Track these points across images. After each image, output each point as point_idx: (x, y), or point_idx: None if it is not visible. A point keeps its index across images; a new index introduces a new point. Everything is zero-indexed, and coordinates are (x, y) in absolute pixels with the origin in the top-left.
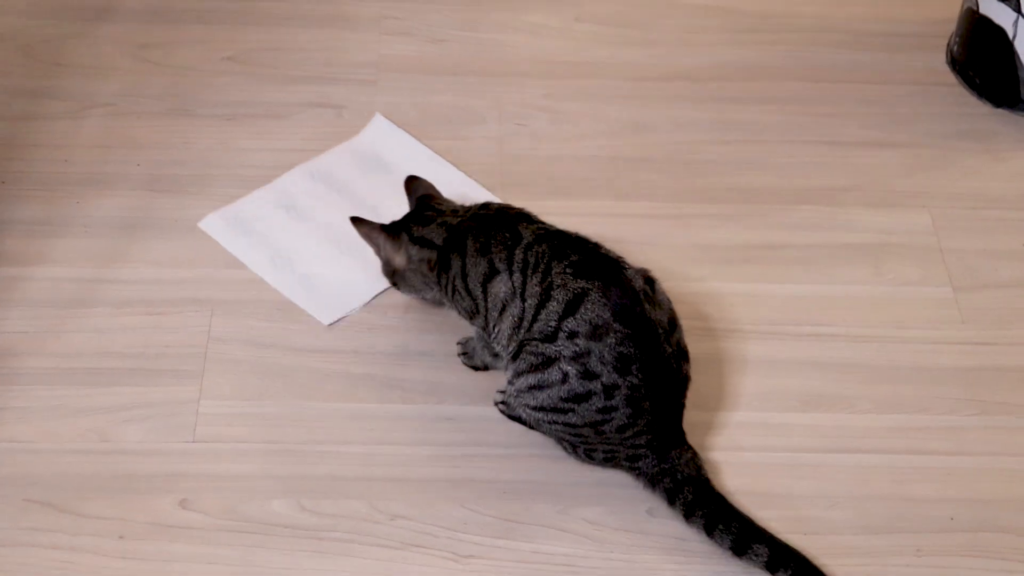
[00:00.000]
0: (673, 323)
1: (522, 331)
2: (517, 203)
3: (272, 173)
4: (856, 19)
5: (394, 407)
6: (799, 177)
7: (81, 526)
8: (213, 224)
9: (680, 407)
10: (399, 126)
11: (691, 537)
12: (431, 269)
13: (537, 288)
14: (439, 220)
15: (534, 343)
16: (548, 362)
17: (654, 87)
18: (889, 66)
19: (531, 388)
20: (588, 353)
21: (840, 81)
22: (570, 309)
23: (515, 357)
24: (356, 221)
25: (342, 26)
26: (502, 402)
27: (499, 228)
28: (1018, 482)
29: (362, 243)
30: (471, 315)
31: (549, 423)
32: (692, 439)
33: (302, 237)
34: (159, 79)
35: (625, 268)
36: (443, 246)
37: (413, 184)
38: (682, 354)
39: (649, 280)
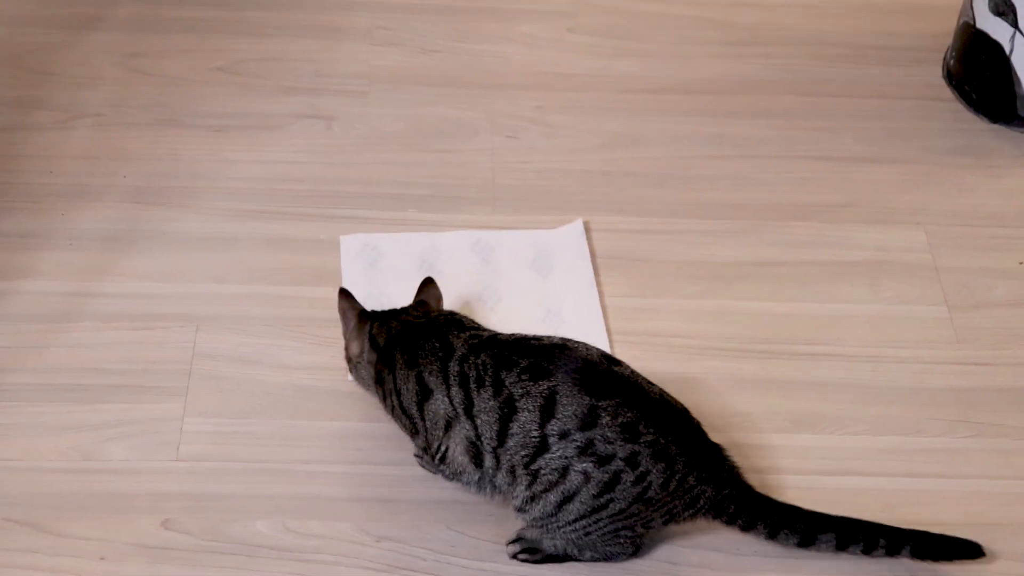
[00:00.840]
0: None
1: (486, 451)
2: (509, 219)
3: (262, 188)
4: (852, 33)
5: (382, 426)
6: (794, 193)
7: (61, 547)
8: (351, 244)
9: (700, 430)
10: (386, 140)
11: (681, 561)
12: (375, 376)
13: (493, 403)
14: (393, 323)
15: (537, 461)
16: (564, 471)
17: (648, 100)
18: (885, 81)
19: (560, 504)
20: (592, 442)
21: (835, 95)
22: (547, 413)
23: (529, 485)
24: (343, 293)
25: (332, 37)
26: (523, 551)
27: (427, 338)
28: (1013, 506)
29: None
30: (411, 434)
31: (595, 527)
32: None
33: (409, 294)
34: (147, 89)
35: (575, 347)
36: (382, 352)
37: (426, 288)
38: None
39: (603, 354)
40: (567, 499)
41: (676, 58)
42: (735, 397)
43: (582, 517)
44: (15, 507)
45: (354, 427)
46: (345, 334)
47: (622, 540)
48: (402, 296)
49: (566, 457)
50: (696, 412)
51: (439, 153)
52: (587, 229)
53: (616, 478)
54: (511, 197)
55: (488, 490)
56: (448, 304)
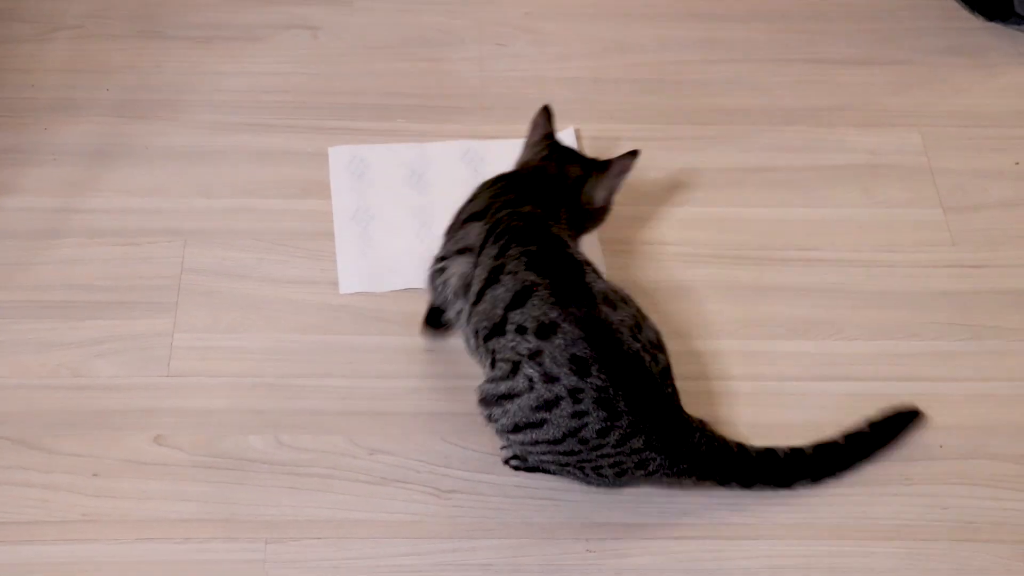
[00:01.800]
0: (639, 323)
1: (469, 303)
2: (500, 128)
3: (248, 99)
4: None
5: (373, 339)
6: (786, 97)
7: (54, 463)
8: (339, 155)
9: (667, 398)
10: (374, 50)
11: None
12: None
13: (490, 261)
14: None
15: (492, 341)
16: (515, 367)
17: (637, 5)
18: None
19: (503, 398)
20: (541, 353)
21: None
22: (518, 301)
23: (490, 365)
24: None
25: None
26: (515, 456)
27: (525, 183)
28: (1009, 408)
29: (427, 240)
30: (447, 234)
31: (537, 451)
32: (676, 368)
33: (399, 206)
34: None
35: (586, 273)
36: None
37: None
38: (656, 345)
39: (612, 289)
40: (510, 397)
41: None
42: (729, 304)
43: (521, 429)
44: (5, 425)
45: (344, 340)
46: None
47: (577, 476)
48: (392, 208)
49: (518, 353)
50: (689, 320)
51: (427, 62)
52: (578, 137)
53: (556, 401)
54: (501, 106)
55: (466, 342)
56: (432, 215)
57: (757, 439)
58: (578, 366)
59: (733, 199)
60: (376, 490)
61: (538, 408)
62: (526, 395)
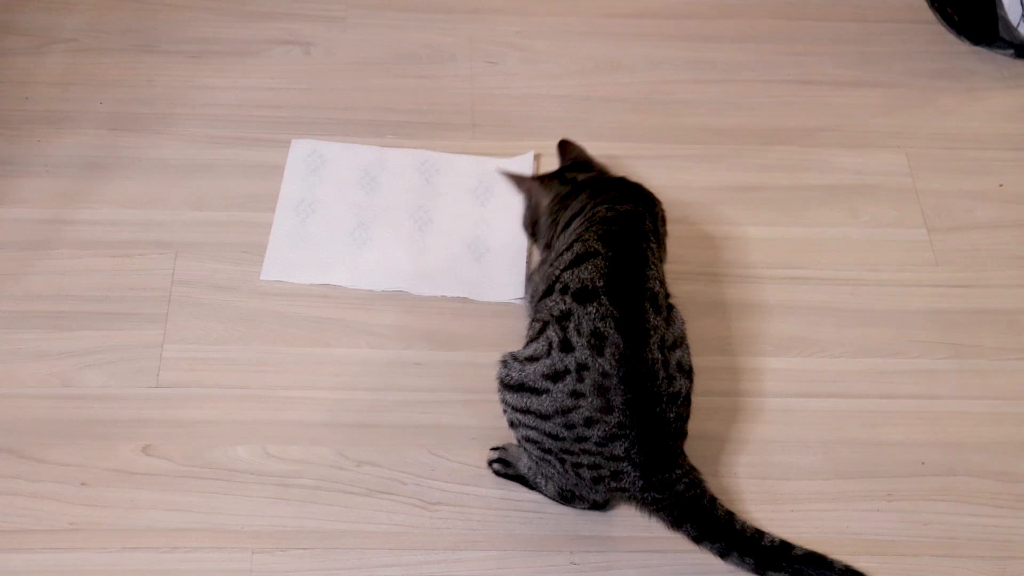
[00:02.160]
0: (676, 343)
1: (544, 269)
2: (490, 145)
3: (241, 114)
4: None
5: (361, 352)
6: (773, 117)
7: (43, 472)
8: (300, 147)
9: (665, 421)
10: (366, 67)
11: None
12: (557, 204)
13: (575, 233)
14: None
15: (543, 305)
16: (543, 328)
17: (628, 24)
18: (866, 3)
19: (526, 360)
20: (569, 315)
21: (816, 19)
22: (575, 262)
23: (530, 326)
24: (508, 175)
25: None
26: (499, 460)
27: (606, 191)
28: (990, 425)
29: (372, 238)
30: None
31: (524, 413)
32: None
33: (344, 204)
34: (123, 14)
35: (650, 267)
36: (570, 188)
37: (567, 147)
38: (681, 370)
39: (670, 305)
40: (532, 359)
41: None
42: (715, 321)
43: (523, 389)
44: None
45: (332, 353)
46: (528, 201)
47: (555, 470)
48: (336, 205)
49: (551, 313)
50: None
51: (418, 79)
52: (536, 161)
53: (562, 374)
54: (491, 123)
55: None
56: (373, 216)
57: (738, 455)
58: (597, 341)
59: (720, 218)
60: (362, 501)
61: (546, 376)
62: (542, 360)
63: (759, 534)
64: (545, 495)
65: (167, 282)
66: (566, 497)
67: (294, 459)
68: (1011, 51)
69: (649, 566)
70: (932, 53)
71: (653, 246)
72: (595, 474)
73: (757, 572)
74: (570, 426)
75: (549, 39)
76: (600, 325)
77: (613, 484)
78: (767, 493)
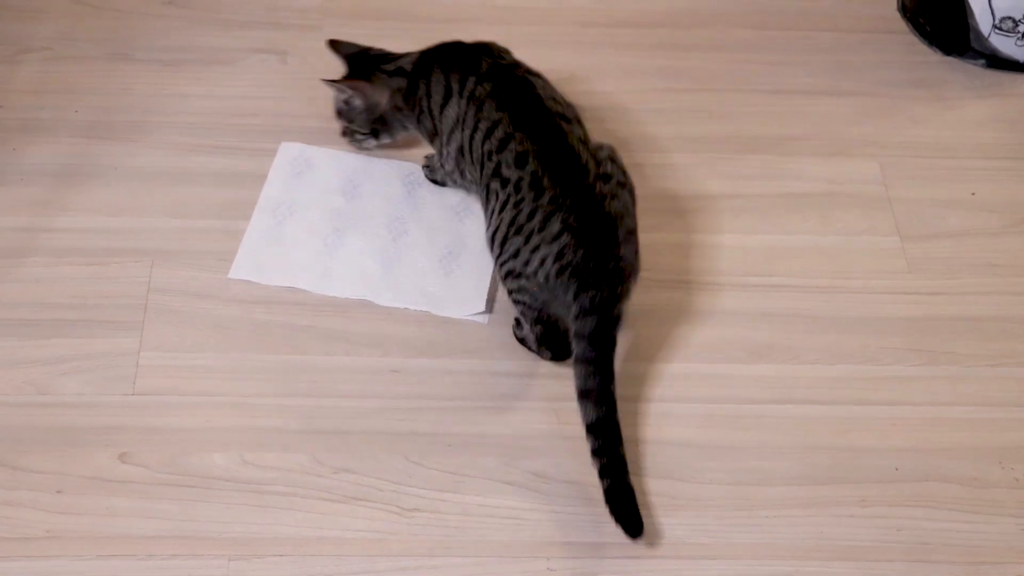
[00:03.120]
0: (602, 156)
1: (466, 161)
2: None
3: (217, 122)
4: None
5: (338, 359)
6: (747, 126)
7: (18, 480)
8: (288, 151)
9: (597, 200)
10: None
11: (637, 488)
12: (403, 98)
13: (472, 120)
14: (397, 58)
15: (483, 177)
16: (487, 190)
17: (603, 33)
18: (839, 13)
19: (489, 222)
20: (500, 165)
21: (789, 28)
22: (489, 133)
23: (484, 203)
24: (330, 82)
25: None
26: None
27: (462, 57)
28: (963, 432)
29: (344, 245)
30: (431, 137)
31: (505, 257)
32: (637, 390)
33: (322, 209)
34: (97, 22)
35: (535, 86)
36: (412, 72)
37: (339, 44)
38: (613, 161)
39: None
40: (490, 216)
41: None
42: (690, 328)
43: (502, 240)
44: None
45: (308, 360)
46: (363, 102)
47: (520, 298)
48: (314, 210)
49: (486, 175)
50: (650, 343)
51: None
52: None
53: (507, 201)
54: None
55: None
56: (350, 224)
57: (712, 460)
58: (519, 160)
59: (694, 226)
60: (339, 508)
61: (499, 211)
62: (494, 207)
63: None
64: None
65: (143, 290)
66: (545, 340)
67: (271, 466)
68: (982, 61)
69: (625, 572)
70: (904, 63)
71: (538, 82)
72: (542, 271)
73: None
74: (518, 229)
75: (526, 47)
76: (519, 148)
77: (556, 265)
78: (741, 499)
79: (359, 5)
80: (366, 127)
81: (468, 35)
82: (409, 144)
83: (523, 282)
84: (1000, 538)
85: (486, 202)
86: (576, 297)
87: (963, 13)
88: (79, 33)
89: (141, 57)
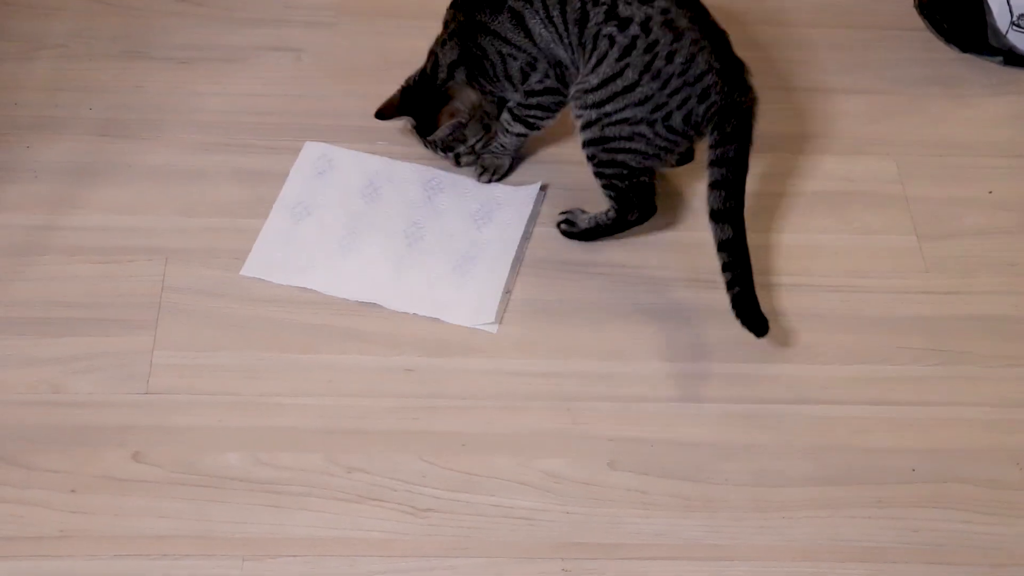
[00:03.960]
0: None
1: (567, 47)
2: None
3: (231, 120)
4: None
5: (352, 358)
6: (764, 124)
7: (31, 479)
8: (311, 150)
9: (725, 38)
10: (355, 72)
11: (652, 489)
12: (469, 72)
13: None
14: (432, 63)
15: (584, 33)
16: (596, 36)
17: None
18: (856, 9)
19: (594, 67)
20: (616, 4)
21: (806, 25)
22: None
23: (585, 60)
24: (436, 136)
25: None
26: (565, 222)
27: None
28: (981, 432)
29: (358, 247)
30: (526, 71)
31: (611, 102)
32: (651, 389)
33: (341, 211)
34: (111, 20)
35: None
36: (462, 35)
37: (386, 110)
38: None
39: None
40: (599, 62)
41: None
42: (706, 327)
43: (605, 84)
44: None
45: (322, 359)
46: (459, 115)
47: (644, 143)
48: (332, 211)
49: (597, 24)
50: (669, 343)
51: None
52: (544, 192)
53: (632, 44)
54: None
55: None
56: (366, 226)
57: (728, 462)
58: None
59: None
60: (353, 508)
61: (620, 58)
62: (609, 53)
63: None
64: (606, 232)
65: (157, 288)
66: (625, 206)
67: (285, 466)
68: (999, 58)
69: (641, 574)
70: (921, 60)
71: None
72: (686, 111)
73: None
74: (655, 74)
75: None
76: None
77: (702, 106)
78: (757, 500)
79: (373, 2)
80: (480, 132)
81: None
82: (407, 139)
83: (642, 128)
84: (1019, 540)
85: (590, 56)
86: (718, 127)
87: (981, 10)
88: (93, 31)
89: (155, 55)
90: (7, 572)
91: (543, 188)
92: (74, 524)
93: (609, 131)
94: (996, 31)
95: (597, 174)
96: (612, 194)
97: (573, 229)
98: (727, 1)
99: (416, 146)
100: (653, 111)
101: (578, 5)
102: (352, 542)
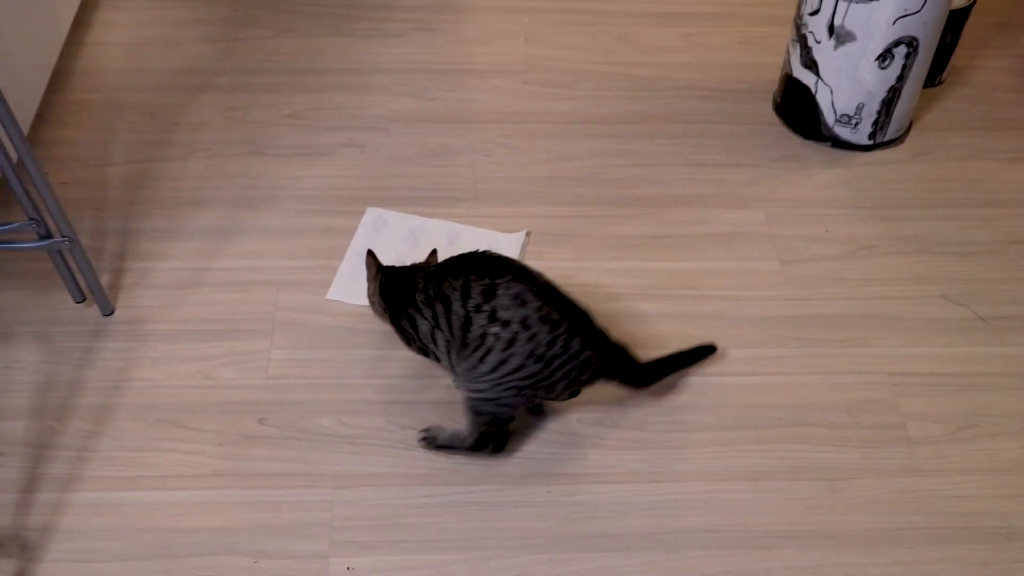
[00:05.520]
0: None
1: (453, 344)
2: (486, 211)
3: (320, 194)
4: (713, 81)
5: (404, 351)
6: (676, 188)
7: (193, 437)
8: (372, 213)
9: (586, 315)
10: (402, 160)
11: (608, 436)
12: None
13: (441, 307)
14: (382, 277)
15: (467, 335)
16: (482, 336)
17: (578, 128)
18: (735, 112)
19: (480, 359)
20: (495, 311)
21: (703, 123)
22: (465, 295)
23: (466, 356)
24: (369, 253)
25: (363, 91)
26: (425, 439)
27: (402, 284)
28: (824, 392)
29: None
30: (407, 343)
31: (502, 380)
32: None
33: (392, 253)
34: (241, 131)
35: (483, 254)
36: (384, 294)
37: (432, 256)
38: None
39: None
40: (486, 354)
41: (596, 100)
42: (642, 326)
43: (496, 369)
44: (163, 411)
45: (384, 353)
46: (368, 279)
47: (516, 405)
48: (387, 254)
49: (479, 326)
50: (618, 335)
51: (437, 167)
52: (527, 239)
53: (514, 338)
54: (486, 196)
55: (447, 365)
56: (396, 261)
57: (656, 416)
58: (520, 300)
59: (642, 256)
60: (406, 453)
61: (506, 348)
62: (495, 346)
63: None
64: (459, 451)
65: (272, 308)
66: (483, 441)
67: (360, 425)
68: (829, 143)
69: (600, 493)
70: (778, 144)
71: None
72: (568, 379)
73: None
74: (539, 359)
75: (524, 139)
76: (515, 291)
77: (583, 375)
78: (679, 440)
79: (413, 113)
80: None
81: (486, 131)
82: (438, 204)
83: (526, 393)
84: (848, 461)
85: (476, 350)
86: (593, 376)
87: (815, 110)
88: (229, 138)
89: (270, 152)
90: (181, 497)
91: (528, 234)
92: (221, 467)
93: (493, 393)
94: (826, 124)
95: (471, 410)
96: (476, 430)
97: (431, 444)
98: (653, 107)
99: (438, 207)
100: (536, 384)
101: (462, 314)
102: (406, 476)
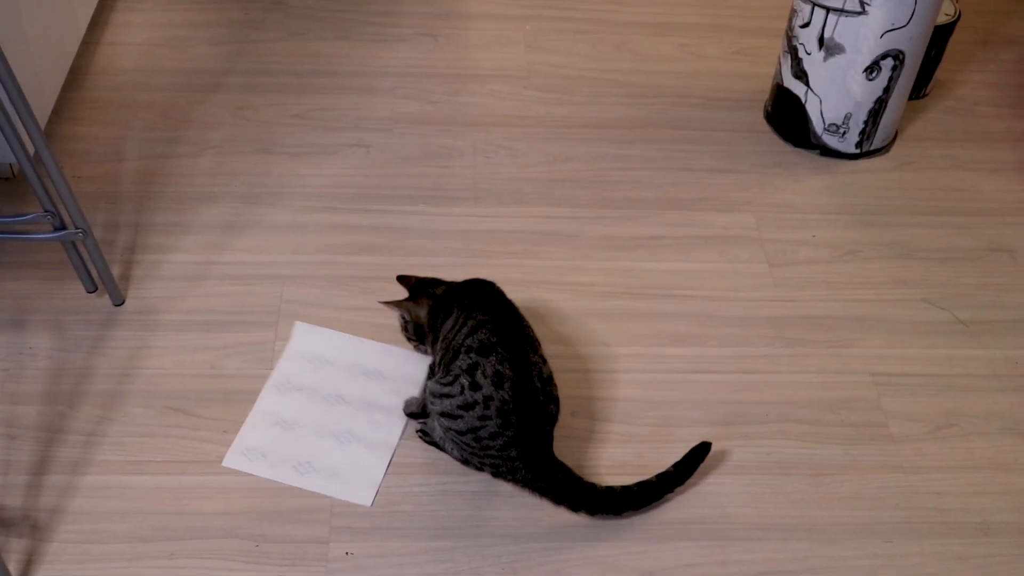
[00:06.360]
0: (550, 379)
1: (448, 355)
2: (487, 210)
3: (325, 192)
4: (706, 89)
5: (402, 341)
6: (670, 191)
7: (199, 423)
8: (235, 460)
9: (547, 434)
10: (405, 160)
11: (599, 429)
12: (429, 317)
13: (453, 325)
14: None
15: (452, 362)
16: (456, 378)
17: (576, 132)
18: (728, 120)
19: (441, 396)
20: (476, 366)
21: (697, 129)
22: (471, 332)
23: (446, 373)
24: (386, 303)
25: (369, 94)
26: (421, 430)
27: (466, 296)
28: (809, 390)
29: (357, 425)
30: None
31: (447, 431)
32: (599, 364)
33: (303, 442)
34: (250, 129)
35: (524, 325)
36: (435, 302)
37: (405, 279)
38: (551, 399)
39: (542, 357)
40: (448, 396)
41: (594, 106)
42: (634, 324)
43: (446, 416)
44: (170, 399)
45: (383, 335)
46: (407, 315)
47: (466, 458)
48: (307, 445)
49: (460, 368)
50: (608, 335)
51: (439, 168)
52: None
53: (472, 405)
54: (486, 196)
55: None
56: (327, 422)
57: (649, 412)
58: (498, 380)
59: (637, 257)
60: (403, 443)
61: (461, 407)
62: (457, 396)
63: (609, 489)
64: (452, 457)
65: (277, 301)
66: (467, 462)
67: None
68: (817, 151)
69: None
70: (768, 152)
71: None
72: (495, 469)
73: (617, 514)
74: (478, 439)
75: (525, 141)
76: (500, 368)
77: (510, 477)
78: (666, 435)
79: (416, 115)
80: (408, 335)
81: (488, 134)
82: (440, 203)
83: (462, 443)
84: (831, 457)
85: (448, 383)
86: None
87: (805, 119)
88: (238, 137)
89: (277, 151)
90: (187, 482)
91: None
92: (225, 453)
93: (448, 421)
94: (814, 132)
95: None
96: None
97: (427, 437)
98: (649, 113)
99: (440, 206)
100: (472, 453)
101: (459, 343)
102: (404, 466)
